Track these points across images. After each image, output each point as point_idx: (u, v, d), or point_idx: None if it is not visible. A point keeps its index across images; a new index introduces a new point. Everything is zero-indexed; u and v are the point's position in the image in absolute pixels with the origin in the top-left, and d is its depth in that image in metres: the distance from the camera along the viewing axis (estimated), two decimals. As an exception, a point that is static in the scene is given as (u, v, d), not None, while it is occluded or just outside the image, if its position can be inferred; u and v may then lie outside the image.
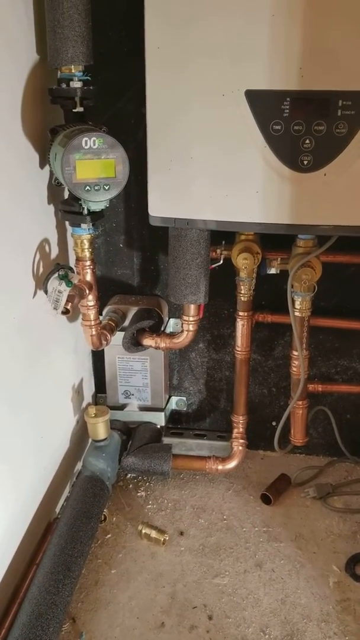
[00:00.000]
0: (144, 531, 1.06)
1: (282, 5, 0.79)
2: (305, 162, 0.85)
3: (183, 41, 0.83)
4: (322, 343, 1.19)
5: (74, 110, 0.91)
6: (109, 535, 1.07)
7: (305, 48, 0.80)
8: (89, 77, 0.91)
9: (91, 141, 0.84)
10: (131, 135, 1.05)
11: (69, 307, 0.93)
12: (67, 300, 0.92)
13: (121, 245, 1.19)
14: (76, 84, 0.89)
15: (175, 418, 1.31)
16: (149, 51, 0.85)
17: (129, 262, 1.20)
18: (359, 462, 1.23)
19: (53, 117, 0.95)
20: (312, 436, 1.22)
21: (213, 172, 0.89)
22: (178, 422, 1.31)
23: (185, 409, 1.30)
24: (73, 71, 0.89)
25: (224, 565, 1.01)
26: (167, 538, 1.05)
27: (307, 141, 0.84)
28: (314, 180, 0.86)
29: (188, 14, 0.82)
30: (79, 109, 0.91)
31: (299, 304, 1.04)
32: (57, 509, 1.10)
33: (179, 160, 0.89)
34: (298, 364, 1.09)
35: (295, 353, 1.09)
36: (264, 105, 0.84)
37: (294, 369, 1.11)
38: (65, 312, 0.93)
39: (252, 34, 0.81)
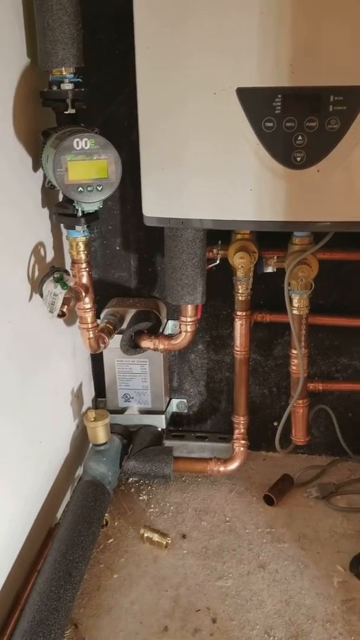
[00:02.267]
0: (146, 535, 1.05)
1: (271, 2, 0.79)
2: (299, 159, 0.85)
3: (173, 40, 0.83)
4: (322, 341, 1.18)
5: (65, 112, 0.91)
6: (110, 540, 1.06)
7: (295, 44, 0.80)
8: (80, 79, 0.91)
9: (83, 142, 0.84)
10: (125, 136, 1.05)
11: (65, 310, 0.92)
12: (63, 303, 0.92)
13: (118, 247, 1.18)
14: (67, 86, 0.89)
15: (176, 420, 1.30)
16: (139, 51, 0.85)
17: (126, 264, 1.20)
18: (362, 461, 1.22)
19: (45, 120, 0.95)
20: (314, 435, 1.22)
21: (206, 171, 0.89)
22: (179, 425, 1.30)
23: (186, 411, 1.29)
24: (64, 73, 0.89)
25: (227, 567, 1.00)
26: (169, 541, 1.04)
27: (300, 138, 0.84)
28: (307, 176, 0.86)
29: (177, 13, 0.82)
30: (71, 110, 0.91)
31: (297, 302, 1.04)
32: (58, 515, 1.09)
33: (172, 159, 0.89)
34: (297, 362, 1.08)
35: (294, 352, 1.09)
36: (255, 102, 0.84)
37: (294, 367, 1.10)
38: (62, 315, 0.93)
39: (241, 31, 0.81)
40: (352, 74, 0.80)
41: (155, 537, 1.04)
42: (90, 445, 1.12)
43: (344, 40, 0.79)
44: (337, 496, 1.14)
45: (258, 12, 0.80)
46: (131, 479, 1.19)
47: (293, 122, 0.83)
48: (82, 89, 0.92)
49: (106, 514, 1.07)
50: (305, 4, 0.79)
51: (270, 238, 1.04)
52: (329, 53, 0.80)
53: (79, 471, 1.18)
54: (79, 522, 0.97)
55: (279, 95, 0.83)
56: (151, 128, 0.88)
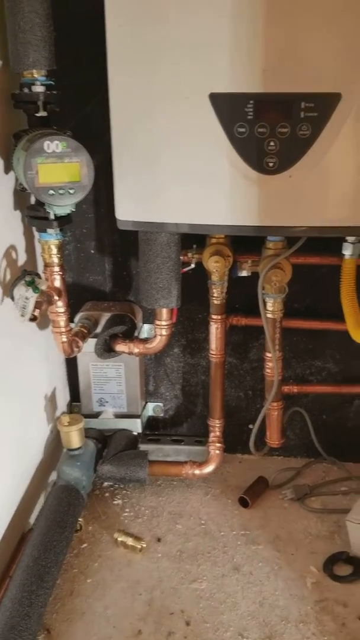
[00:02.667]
0: (120, 539, 1.04)
1: (244, 7, 0.79)
2: (271, 164, 0.86)
3: (145, 44, 0.83)
4: (296, 344, 1.19)
5: (37, 114, 0.90)
6: (84, 545, 1.06)
7: (267, 50, 0.81)
8: (52, 82, 0.91)
9: (54, 144, 0.84)
10: (99, 139, 1.04)
11: (36, 314, 0.92)
12: (35, 307, 0.91)
13: (92, 251, 1.18)
14: (38, 89, 0.89)
15: (152, 424, 1.30)
16: (111, 54, 0.85)
17: (100, 268, 1.19)
18: (336, 462, 1.23)
19: (17, 122, 0.94)
20: (289, 438, 1.22)
21: (180, 175, 0.89)
22: (155, 429, 1.30)
23: (162, 414, 1.29)
24: (35, 76, 0.89)
25: (202, 570, 1.01)
26: (144, 545, 1.04)
27: (272, 143, 0.85)
28: (280, 181, 0.86)
29: (149, 16, 0.82)
30: (42, 113, 0.90)
31: (271, 306, 1.05)
32: (32, 520, 1.08)
33: (145, 163, 0.89)
34: (271, 365, 1.09)
35: (268, 355, 1.09)
36: (228, 108, 0.84)
37: (268, 370, 1.11)
38: (33, 318, 0.92)
39: (214, 36, 0.81)
40: (323, 80, 0.81)
41: (130, 541, 1.04)
42: (65, 449, 1.11)
43: (315, 47, 0.80)
44: (311, 497, 1.15)
45: (231, 18, 0.80)
46: (106, 483, 1.19)
47: (265, 127, 0.84)
48: (55, 92, 0.91)
49: (80, 519, 1.07)
50: (278, 10, 0.79)
51: (245, 242, 1.05)
52: (300, 60, 0.81)
53: (53, 476, 1.17)
54: (52, 527, 0.97)
55: (251, 101, 0.83)
56: (124, 132, 0.88)
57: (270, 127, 0.84)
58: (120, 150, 0.89)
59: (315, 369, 1.21)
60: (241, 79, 0.83)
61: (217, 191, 0.89)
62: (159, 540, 1.07)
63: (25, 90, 0.89)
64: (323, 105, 0.82)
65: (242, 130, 0.85)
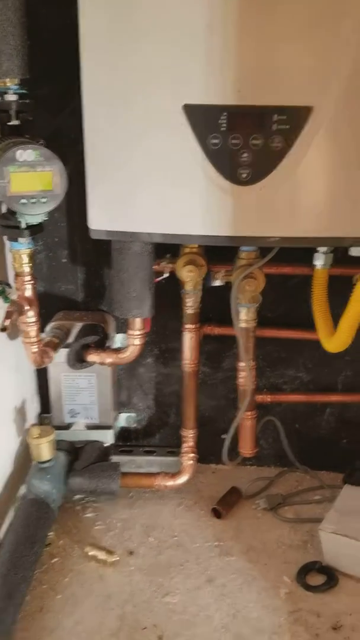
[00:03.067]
0: (91, 553, 1.03)
1: (216, 20, 0.80)
2: (244, 175, 0.86)
3: (119, 56, 0.83)
4: (270, 354, 1.20)
5: (9, 123, 0.89)
6: (55, 559, 1.04)
7: (241, 63, 0.81)
8: (25, 91, 0.90)
9: (26, 153, 0.83)
10: (73, 149, 1.03)
11: (7, 324, 0.90)
12: (5, 317, 0.90)
13: (64, 260, 1.17)
14: (11, 97, 0.88)
15: (124, 435, 1.29)
16: (84, 63, 0.85)
17: (72, 277, 1.18)
18: (308, 471, 1.24)
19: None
20: (262, 447, 1.23)
21: (154, 185, 0.89)
22: (127, 439, 1.29)
23: (134, 425, 1.28)
24: (8, 84, 0.88)
25: (175, 583, 0.99)
26: (116, 559, 1.02)
27: (245, 155, 0.85)
28: (252, 192, 0.87)
29: (124, 27, 0.82)
30: (15, 122, 0.89)
31: (244, 315, 1.05)
32: (0, 535, 1.06)
33: (119, 173, 0.88)
34: (245, 374, 1.09)
35: (241, 364, 1.09)
36: (202, 119, 0.84)
37: (241, 380, 1.11)
38: (3, 329, 0.90)
39: (188, 48, 0.82)
40: (295, 94, 0.82)
41: (101, 555, 1.02)
42: (34, 462, 1.09)
43: (287, 60, 0.81)
44: (284, 507, 1.15)
45: (204, 31, 0.80)
46: (77, 496, 1.17)
47: (238, 139, 0.84)
48: (28, 101, 0.90)
49: (50, 533, 1.05)
50: (250, 24, 0.80)
51: (218, 252, 1.05)
52: (273, 73, 0.82)
53: (23, 489, 1.15)
54: (21, 542, 0.95)
55: (225, 113, 0.83)
56: (97, 141, 0.88)
57: (243, 138, 0.84)
58: (93, 159, 0.89)
59: (288, 378, 1.22)
60: (215, 90, 0.83)
61: (190, 201, 0.89)
62: (131, 553, 1.05)
63: (-2, 98, 0.88)
64: (295, 118, 0.83)
65: (216, 141, 0.85)
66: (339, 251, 1.01)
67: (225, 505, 1.14)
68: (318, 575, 1.00)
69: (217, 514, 1.13)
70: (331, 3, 0.78)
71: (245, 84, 0.82)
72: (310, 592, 0.97)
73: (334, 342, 1.00)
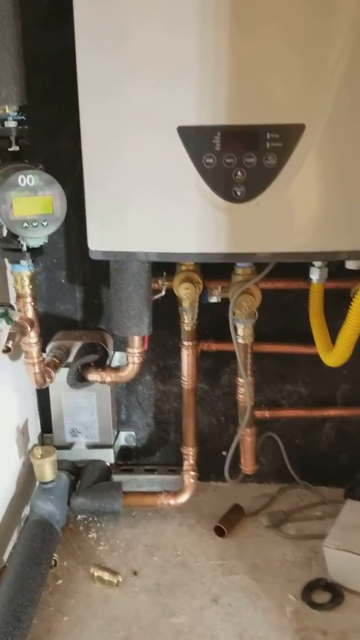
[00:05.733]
0: (96, 574, 1.02)
1: (207, 44, 0.82)
2: (239, 193, 0.88)
3: (115, 79, 0.85)
4: (267, 369, 1.21)
5: (9, 149, 0.91)
6: (60, 581, 1.03)
7: (232, 84, 0.84)
8: (23, 117, 0.92)
9: (27, 179, 0.85)
10: (69, 172, 1.05)
11: (10, 346, 0.91)
12: (8, 339, 0.91)
13: (63, 280, 1.18)
14: (11, 124, 0.90)
15: (125, 454, 1.29)
16: (82, 89, 0.87)
17: (71, 297, 1.19)
18: (309, 487, 1.24)
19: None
20: (262, 463, 1.23)
21: (150, 205, 0.90)
22: (128, 458, 1.29)
23: (134, 444, 1.28)
24: (7, 111, 0.90)
25: (180, 603, 0.99)
26: (120, 579, 1.02)
27: (239, 173, 0.87)
28: (247, 210, 0.89)
29: (119, 53, 0.84)
30: (15, 148, 0.91)
31: (241, 331, 1.06)
32: (5, 557, 1.05)
33: (116, 194, 0.90)
34: (244, 390, 1.10)
35: (240, 380, 1.10)
36: (195, 140, 0.86)
37: (240, 396, 1.11)
38: (7, 350, 0.91)
39: (180, 72, 0.84)
40: (287, 112, 0.85)
41: (106, 576, 1.01)
42: (37, 483, 1.08)
43: (277, 80, 0.83)
44: (287, 524, 1.15)
45: (195, 54, 0.83)
46: (80, 516, 1.16)
47: (232, 158, 0.87)
48: (26, 126, 0.92)
49: (55, 554, 1.04)
50: (241, 46, 0.82)
51: (214, 269, 1.06)
52: (264, 93, 0.84)
53: (26, 510, 1.14)
54: (27, 563, 0.94)
55: (218, 133, 0.86)
56: (95, 163, 0.89)
57: (237, 157, 0.86)
58: (92, 182, 0.91)
59: (286, 392, 1.22)
60: (208, 112, 0.85)
61: (186, 220, 0.90)
62: (135, 573, 1.05)
63: (-3, 125, 0.90)
64: (288, 136, 0.85)
65: (210, 160, 0.87)
66: (334, 265, 1.03)
67: (228, 523, 1.14)
68: (323, 593, 0.99)
69: (220, 532, 1.13)
70: (319, 22, 0.81)
71: (236, 104, 0.84)
72: (316, 609, 0.96)
73: (333, 356, 1.01)
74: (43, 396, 1.22)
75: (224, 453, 1.24)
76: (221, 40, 0.82)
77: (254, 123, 0.85)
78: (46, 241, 0.91)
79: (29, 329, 0.98)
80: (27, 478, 1.15)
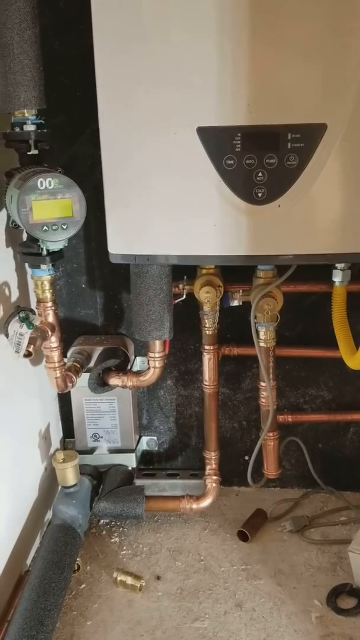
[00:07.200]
0: (119, 578, 1.02)
1: (226, 43, 0.82)
2: (260, 195, 0.87)
3: (134, 81, 0.85)
4: (289, 373, 1.19)
5: (28, 153, 0.91)
6: (83, 585, 1.03)
7: (252, 84, 0.83)
8: (42, 121, 0.93)
9: (47, 182, 0.85)
10: (88, 175, 1.05)
11: (31, 350, 0.91)
12: (29, 343, 0.91)
13: (83, 285, 1.18)
14: (30, 127, 0.91)
15: (146, 458, 1.28)
16: (100, 92, 0.87)
17: (92, 302, 1.19)
18: (334, 492, 1.22)
19: (8, 161, 0.95)
20: (285, 468, 1.21)
21: (170, 208, 0.90)
22: (150, 463, 1.29)
23: (156, 448, 1.28)
24: (26, 115, 0.90)
25: (204, 607, 0.98)
26: (143, 584, 1.01)
27: (260, 174, 0.86)
28: (269, 211, 0.88)
29: (138, 55, 0.84)
30: (34, 151, 0.91)
31: (263, 335, 1.05)
32: (28, 561, 1.05)
33: (136, 197, 0.90)
34: (266, 395, 1.09)
35: (262, 384, 1.09)
36: (215, 141, 0.86)
37: (263, 400, 1.10)
38: (28, 354, 0.91)
39: (200, 72, 0.83)
40: (308, 112, 0.83)
41: (129, 580, 1.01)
42: (60, 487, 1.09)
43: (298, 80, 0.82)
44: (311, 529, 1.14)
45: (215, 54, 0.82)
46: (102, 520, 1.16)
47: (253, 159, 0.86)
48: (45, 130, 0.93)
49: (78, 558, 1.04)
50: (261, 44, 0.81)
51: (235, 272, 1.06)
52: (284, 92, 0.83)
53: (49, 515, 1.14)
54: (50, 568, 0.94)
55: (239, 134, 0.85)
56: (114, 167, 0.89)
57: (258, 158, 0.86)
58: (111, 185, 0.90)
59: (309, 397, 1.21)
60: (228, 112, 0.84)
61: (206, 222, 0.90)
62: (158, 578, 1.04)
63: (17, 129, 0.91)
64: (309, 136, 0.84)
65: (231, 162, 0.86)
66: (357, 267, 1.01)
67: (251, 528, 1.13)
68: (349, 598, 0.98)
69: (243, 536, 1.12)
70: (341, 22, 0.80)
71: (257, 104, 0.83)
72: (342, 615, 0.95)
73: (357, 359, 0.99)
74: (65, 401, 1.23)
75: (246, 458, 1.24)
76: (241, 40, 0.81)
77: (274, 123, 0.84)
78: (66, 244, 0.91)
79: (49, 333, 0.98)
80: (50, 483, 1.16)
